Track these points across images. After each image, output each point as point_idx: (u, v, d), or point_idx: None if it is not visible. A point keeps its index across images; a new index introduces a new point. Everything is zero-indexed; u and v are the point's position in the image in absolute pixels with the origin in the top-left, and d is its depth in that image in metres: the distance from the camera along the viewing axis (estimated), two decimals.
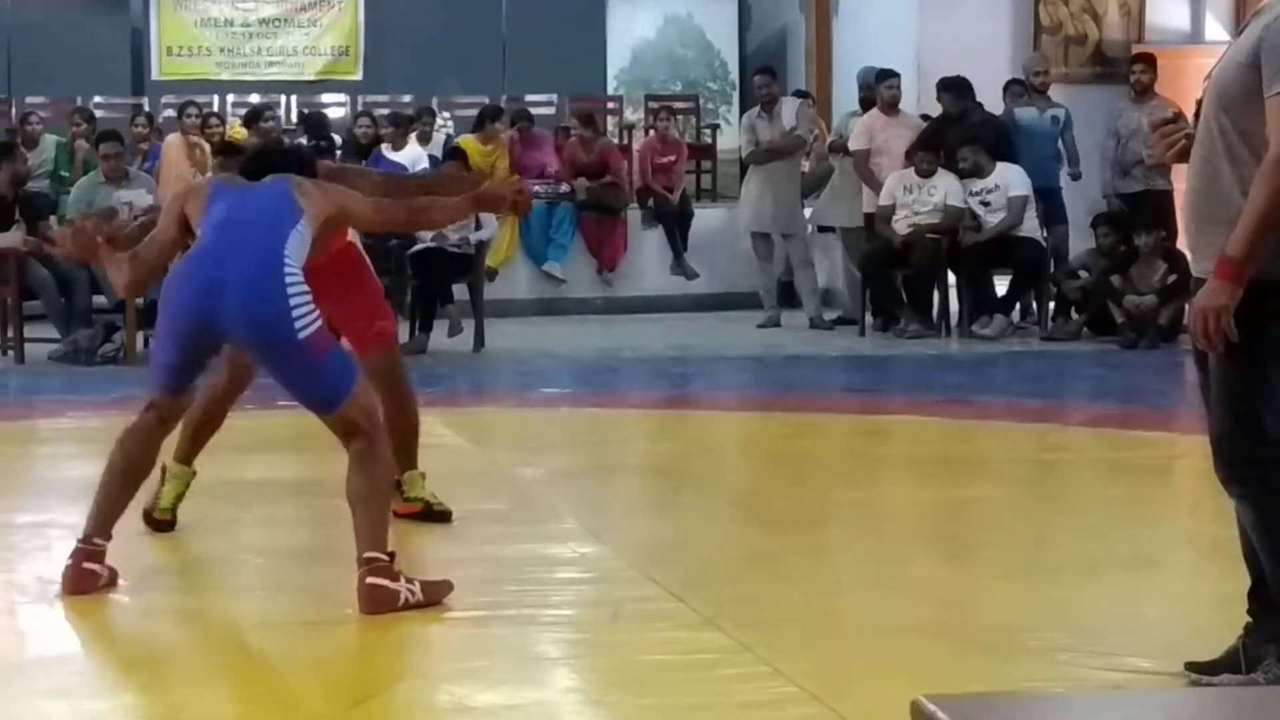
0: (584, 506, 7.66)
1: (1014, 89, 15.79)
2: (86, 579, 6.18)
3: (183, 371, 6.46)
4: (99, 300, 13.61)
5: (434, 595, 6.06)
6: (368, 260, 7.18)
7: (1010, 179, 14.66)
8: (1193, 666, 5.10)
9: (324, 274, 6.59)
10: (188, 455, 7.27)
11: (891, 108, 15.16)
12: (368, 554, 6.01)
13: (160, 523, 7.15)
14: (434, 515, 7.27)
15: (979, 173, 14.63)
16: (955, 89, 15.21)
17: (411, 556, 6.90)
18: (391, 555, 6.08)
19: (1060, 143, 15.44)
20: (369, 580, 5.95)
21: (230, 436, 9.29)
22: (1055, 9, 17.70)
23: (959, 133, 14.93)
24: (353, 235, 7.12)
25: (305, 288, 6.13)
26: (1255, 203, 4.71)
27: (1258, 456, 4.87)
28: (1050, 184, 15.12)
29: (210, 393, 7.17)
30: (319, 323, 6.13)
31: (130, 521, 7.15)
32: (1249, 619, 5.07)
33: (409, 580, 6.01)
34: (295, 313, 6.08)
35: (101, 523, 6.32)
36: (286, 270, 6.14)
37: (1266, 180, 4.70)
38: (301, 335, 6.08)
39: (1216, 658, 5.08)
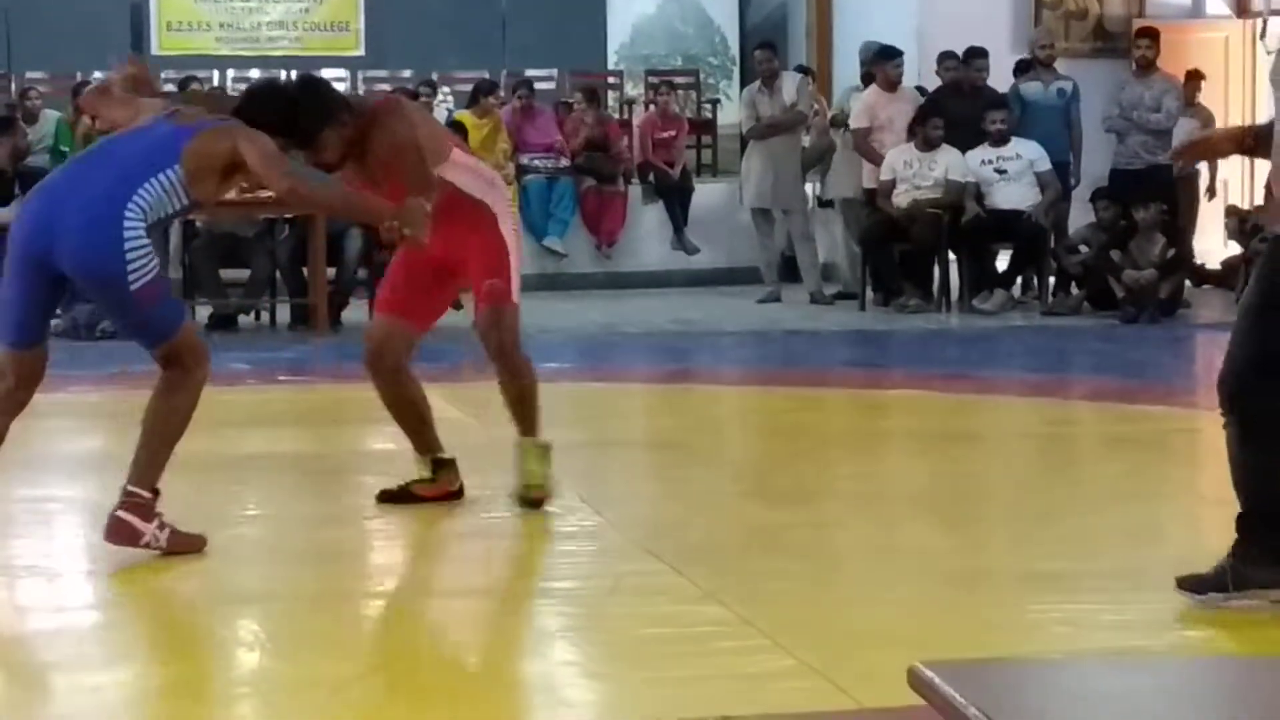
0: (584, 481, 7.65)
1: (1024, 67, 15.78)
2: None
3: (25, 310, 6.36)
4: None
5: (180, 546, 6.25)
6: (500, 216, 6.97)
7: (1031, 152, 14.65)
8: (1182, 582, 5.45)
9: (450, 225, 6.69)
10: None
11: (893, 85, 15.14)
12: (130, 488, 6.24)
13: None
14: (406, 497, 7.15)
15: (1004, 139, 14.63)
16: (978, 56, 15.26)
17: (413, 532, 6.90)
18: (156, 493, 6.25)
19: (1068, 116, 15.40)
20: (119, 514, 6.21)
21: (229, 411, 9.31)
22: None
23: (963, 104, 14.93)
24: (486, 189, 6.96)
25: (144, 240, 6.18)
26: None
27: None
28: (1059, 158, 15.10)
29: None
30: (152, 274, 6.19)
31: (113, 497, 7.15)
32: (1236, 541, 5.44)
33: (161, 525, 6.22)
34: (130, 266, 6.14)
35: None
36: (128, 221, 6.16)
37: None
38: (134, 288, 6.16)
39: (1205, 575, 5.45)
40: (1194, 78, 15.95)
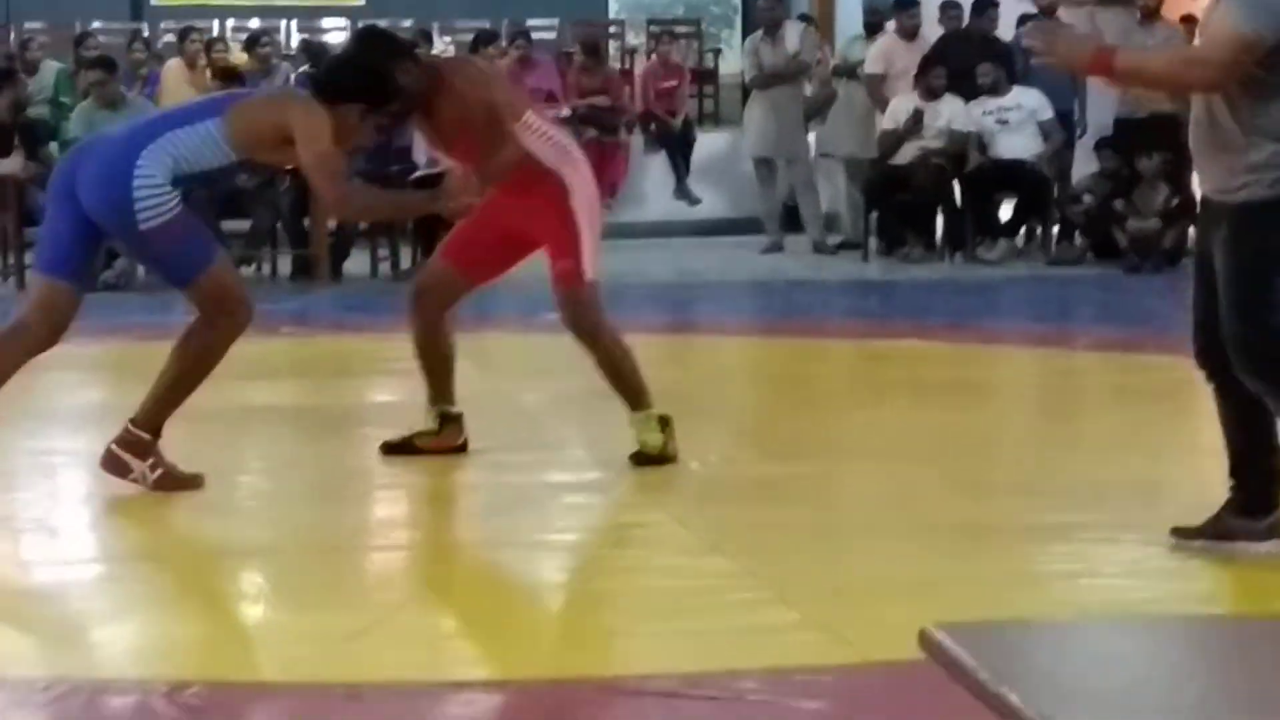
0: (587, 432, 7.64)
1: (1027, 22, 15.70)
2: None
3: (54, 237, 6.56)
4: None
5: (173, 485, 6.42)
6: (573, 189, 6.81)
7: (1034, 102, 14.59)
8: (1177, 531, 5.58)
9: (519, 196, 6.72)
10: None
11: (911, 34, 15.10)
12: (130, 425, 6.47)
13: None
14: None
15: (997, 90, 14.57)
16: (990, 5, 15.21)
17: (417, 483, 6.89)
18: (156, 435, 6.43)
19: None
20: (113, 448, 6.45)
21: (230, 363, 9.26)
22: None
23: (965, 50, 14.88)
24: (559, 157, 6.82)
25: (157, 180, 6.28)
26: (1157, 64, 5.83)
27: (1270, 353, 5.41)
28: (1063, 107, 15.04)
29: None
30: (168, 215, 6.30)
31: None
32: (1230, 492, 5.59)
33: (155, 466, 6.42)
34: (138, 204, 6.28)
35: None
36: (141, 160, 6.29)
37: (1175, 66, 5.67)
38: (143, 226, 6.30)
39: (1199, 525, 5.57)
40: (1188, 21, 15.84)
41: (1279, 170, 5.24)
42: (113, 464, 6.45)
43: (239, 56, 16.61)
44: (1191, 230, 14.82)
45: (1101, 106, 15.33)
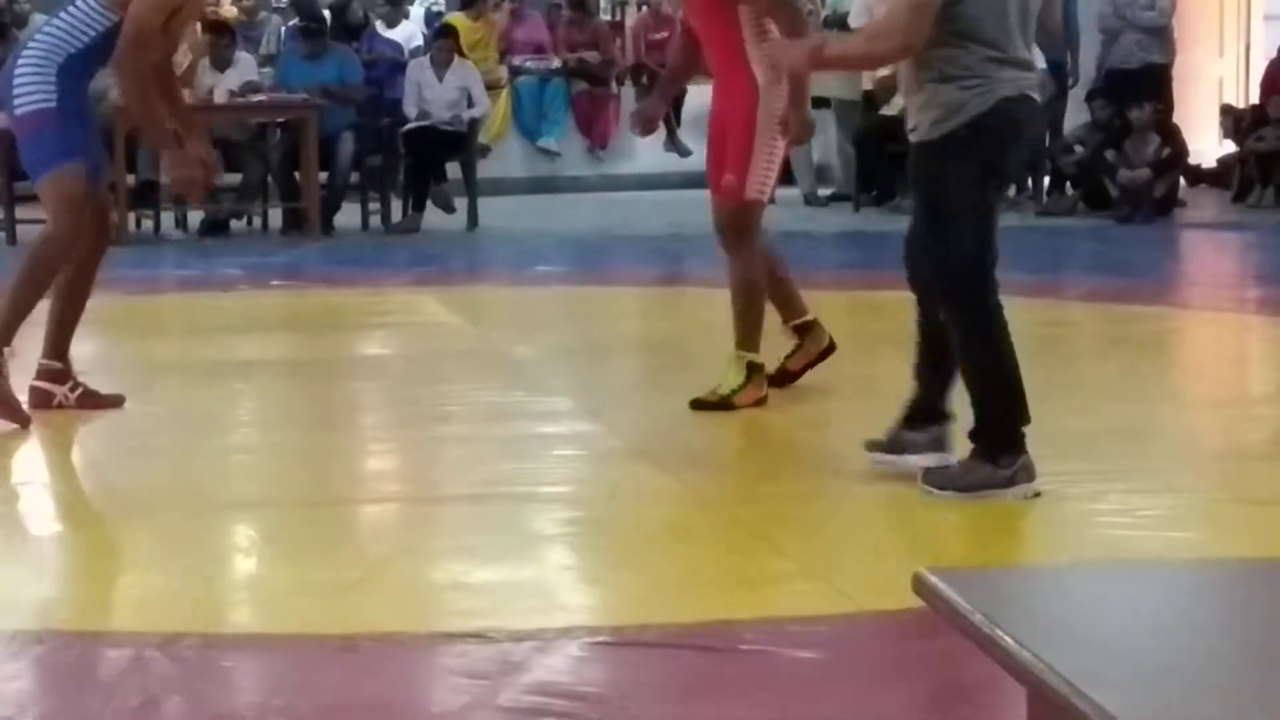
0: (579, 385, 7.65)
1: None
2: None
3: None
4: None
5: (91, 404, 6.88)
6: (765, 100, 6.83)
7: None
8: (869, 444, 5.95)
9: (725, 96, 6.97)
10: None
11: None
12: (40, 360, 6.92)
13: None
14: None
15: None
16: None
17: (408, 436, 6.90)
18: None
19: (1063, 13, 15.31)
20: (33, 383, 6.94)
21: (222, 316, 9.30)
22: None
23: None
24: (767, 66, 6.76)
25: (38, 69, 6.61)
26: (854, 46, 6.29)
27: (945, 283, 5.78)
28: (1055, 57, 15.00)
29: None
30: (37, 105, 6.61)
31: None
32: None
33: (74, 388, 6.94)
34: (16, 90, 6.66)
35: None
36: (27, 51, 6.74)
37: (866, 44, 6.01)
38: (17, 111, 6.68)
39: (880, 438, 5.94)
40: None
41: (940, 110, 5.58)
42: (39, 399, 6.92)
43: (228, 9, 16.56)
44: (1183, 181, 14.88)
45: (1091, 58, 15.32)
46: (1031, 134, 6.17)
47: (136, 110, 6.89)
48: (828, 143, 16.29)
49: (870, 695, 4.03)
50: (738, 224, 7.00)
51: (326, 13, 15.70)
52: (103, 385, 7.43)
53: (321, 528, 5.57)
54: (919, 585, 2.27)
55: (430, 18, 17.46)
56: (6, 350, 6.80)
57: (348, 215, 13.97)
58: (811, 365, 7.39)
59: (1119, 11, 14.83)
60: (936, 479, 5.64)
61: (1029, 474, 5.59)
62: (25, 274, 6.79)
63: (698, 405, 6.90)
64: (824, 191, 15.52)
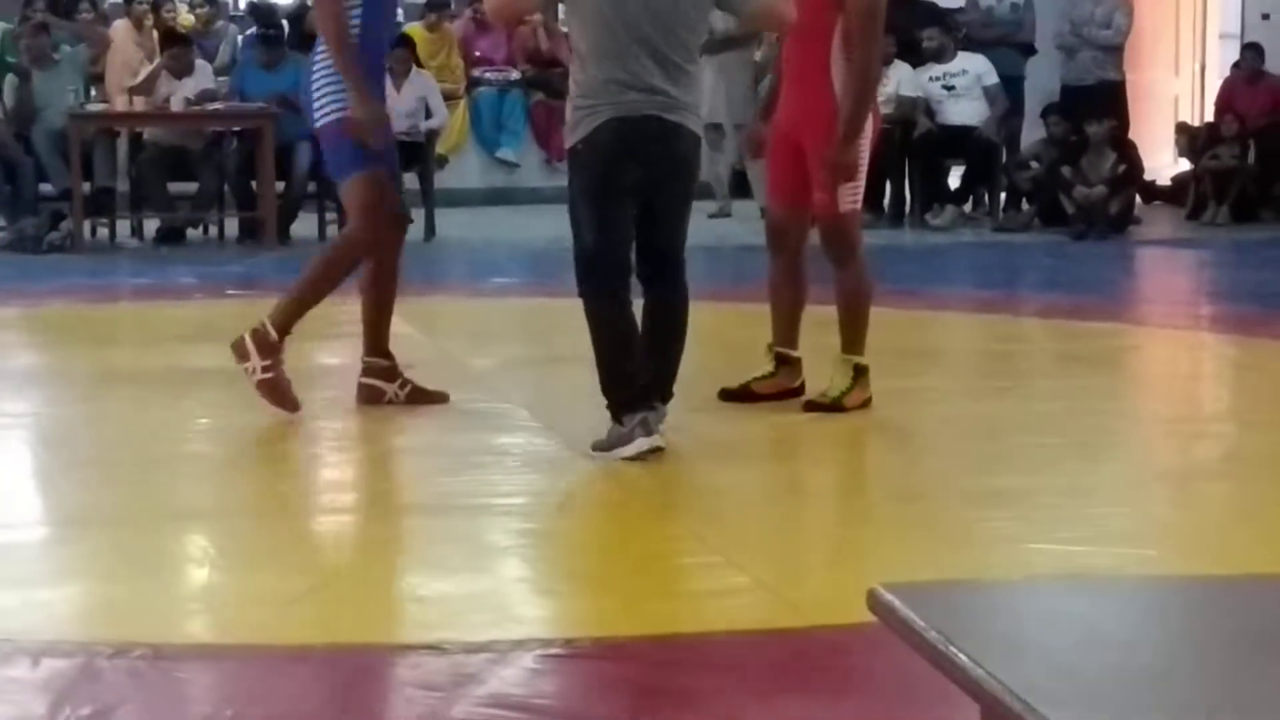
0: (535, 396, 7.64)
1: None
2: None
3: None
4: (45, 188, 13.49)
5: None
6: (865, 138, 7.05)
7: (980, 67, 14.61)
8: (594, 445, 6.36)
9: (796, 104, 7.11)
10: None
11: None
12: (264, 319, 7.06)
13: None
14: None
15: (941, 56, 14.59)
16: None
17: (363, 446, 6.88)
18: (282, 337, 6.96)
19: (1021, 29, 15.38)
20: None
21: (177, 325, 9.25)
22: None
23: (910, 16, 14.89)
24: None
25: (328, 77, 6.76)
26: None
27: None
28: (1013, 73, 15.08)
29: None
30: (335, 115, 6.75)
31: (71, 411, 7.13)
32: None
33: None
34: (315, 101, 6.83)
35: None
36: (316, 60, 6.84)
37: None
38: (318, 123, 6.84)
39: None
40: None
41: (567, 127, 6.47)
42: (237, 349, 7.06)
43: (186, 18, 16.52)
44: (1138, 199, 14.93)
45: (1048, 73, 15.38)
46: (663, 151, 6.38)
47: (331, 43, 6.79)
48: None
49: (822, 709, 4.03)
50: (838, 237, 7.18)
51: (284, 21, 15.67)
52: (56, 394, 7.40)
53: (275, 538, 5.55)
54: (873, 601, 2.27)
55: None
56: (285, 339, 7.03)
57: (304, 224, 13.93)
58: (775, 397, 7.39)
59: (1076, 29, 14.88)
60: (595, 444, 6.34)
61: (646, 429, 6.25)
62: (319, 268, 7.05)
63: (810, 407, 7.15)
64: None
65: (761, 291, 7.66)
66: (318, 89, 6.81)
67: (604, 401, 6.42)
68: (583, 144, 6.34)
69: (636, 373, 6.38)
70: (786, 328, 7.47)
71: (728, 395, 7.38)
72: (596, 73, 6.30)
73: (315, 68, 6.85)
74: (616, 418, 6.34)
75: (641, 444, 6.25)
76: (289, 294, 7.07)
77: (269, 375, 6.89)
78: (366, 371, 7.24)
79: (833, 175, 7.00)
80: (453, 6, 17.11)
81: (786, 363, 7.45)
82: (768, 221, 7.54)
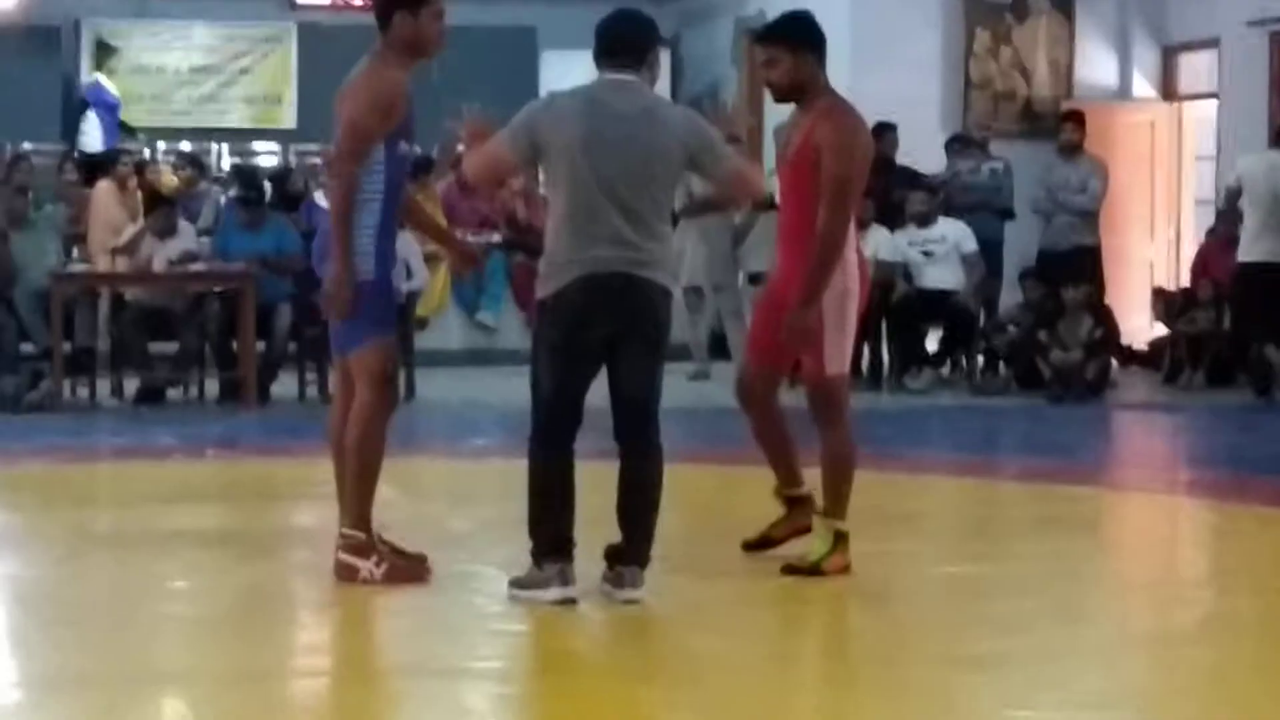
0: (513, 558, 7.62)
1: (955, 145, 15.94)
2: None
3: None
4: (26, 347, 13.51)
5: (400, 576, 6.90)
6: (829, 291, 7.11)
7: (958, 234, 14.74)
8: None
9: (784, 294, 7.16)
10: None
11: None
12: (342, 529, 6.94)
13: None
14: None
15: (926, 221, 14.73)
16: (888, 130, 15.51)
17: (341, 607, 6.86)
18: (367, 529, 6.92)
19: (1000, 194, 15.53)
20: (338, 554, 6.94)
21: (156, 485, 9.24)
22: (985, 64, 17.81)
23: (884, 178, 15.07)
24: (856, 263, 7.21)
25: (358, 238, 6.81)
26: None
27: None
28: (993, 237, 15.23)
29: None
30: (360, 279, 6.77)
31: (48, 571, 7.11)
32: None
33: (379, 561, 6.89)
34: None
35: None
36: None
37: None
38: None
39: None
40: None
41: (539, 279, 6.66)
42: (341, 571, 6.92)
43: (169, 179, 16.64)
44: (1115, 363, 15.01)
45: (1026, 237, 15.50)
46: (631, 304, 6.56)
47: (334, 212, 6.83)
48: None
49: None
50: (824, 400, 7.26)
51: (267, 183, 15.77)
52: (33, 554, 7.40)
53: (251, 703, 5.53)
54: None
55: None
56: (377, 526, 7.01)
57: (285, 385, 13.95)
58: (794, 537, 7.50)
59: (1052, 195, 15.02)
60: (511, 581, 6.62)
61: (563, 579, 6.48)
62: (356, 458, 6.98)
63: (788, 570, 7.17)
64: None
65: (741, 454, 7.69)
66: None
67: (578, 560, 6.45)
68: (553, 298, 6.52)
69: (565, 524, 6.58)
70: (785, 469, 7.60)
71: (749, 546, 7.54)
72: (571, 229, 6.48)
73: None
74: (537, 562, 6.55)
75: (556, 594, 6.48)
76: (348, 493, 6.98)
77: (385, 567, 6.87)
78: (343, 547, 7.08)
79: (790, 338, 7.08)
80: (432, 172, 17.20)
81: (797, 502, 7.54)
82: (739, 375, 7.64)
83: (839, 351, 7.19)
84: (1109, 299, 15.17)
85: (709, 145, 6.71)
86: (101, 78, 18.84)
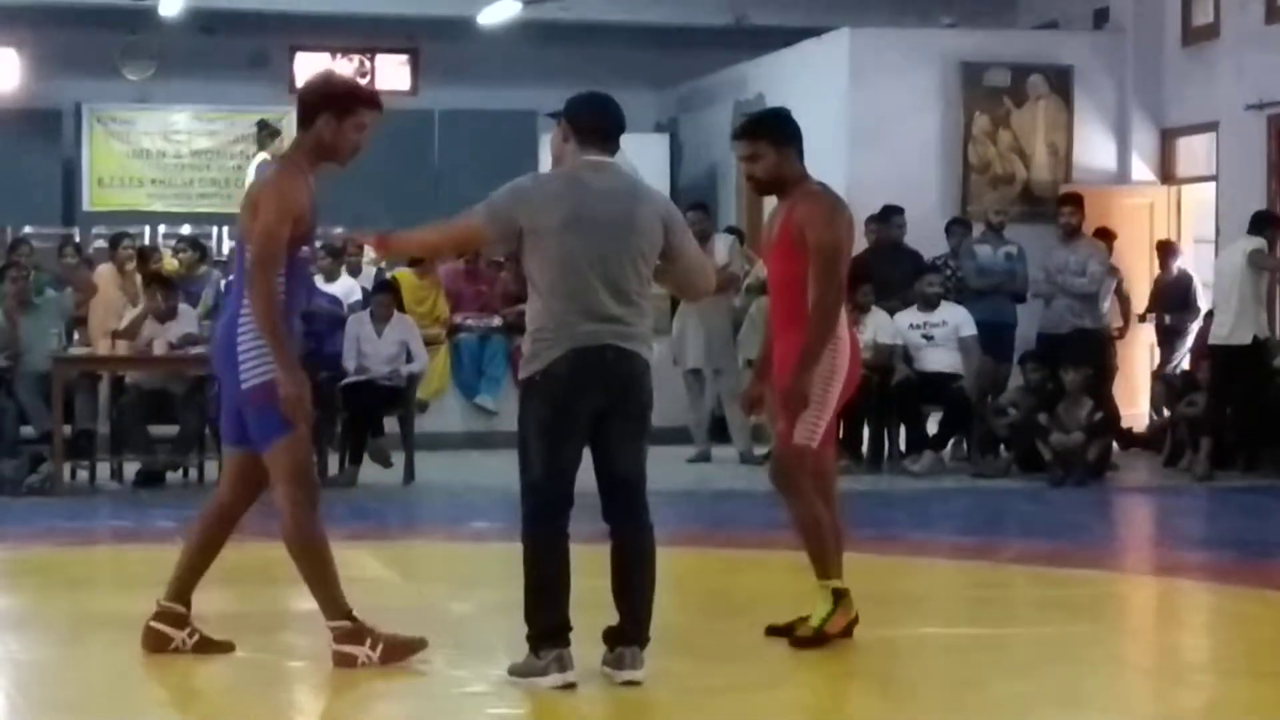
0: (514, 642, 7.60)
1: (956, 229, 16.01)
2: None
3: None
4: (26, 430, 13.51)
5: (396, 655, 6.89)
6: (837, 378, 7.31)
7: (959, 318, 14.79)
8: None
9: (785, 348, 7.31)
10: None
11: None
12: (327, 623, 6.93)
13: None
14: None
15: (934, 304, 14.78)
16: (895, 214, 15.64)
17: (339, 693, 6.84)
18: (349, 617, 6.89)
19: (1014, 278, 15.58)
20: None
21: (154, 569, 9.19)
22: (984, 148, 17.89)
23: (882, 264, 15.14)
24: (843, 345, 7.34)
25: (257, 337, 6.73)
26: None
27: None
28: (1007, 320, 15.29)
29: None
30: (264, 378, 6.72)
31: (47, 654, 7.10)
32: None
33: (374, 644, 6.85)
34: (241, 361, 6.78)
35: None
36: (243, 319, 6.80)
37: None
38: (244, 384, 6.78)
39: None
40: (1104, 236, 16.05)
41: (524, 356, 6.70)
42: (339, 659, 6.92)
43: (170, 262, 16.67)
44: (1116, 445, 15.01)
45: (1027, 320, 15.53)
46: (617, 377, 6.60)
47: (263, 326, 6.76)
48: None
49: None
50: (784, 467, 7.39)
51: None
52: (32, 638, 7.39)
53: None
54: None
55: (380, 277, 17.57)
56: (354, 614, 6.98)
57: None
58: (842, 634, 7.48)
59: (1051, 277, 15.05)
60: (511, 666, 6.63)
61: (561, 665, 6.49)
62: (303, 559, 7.01)
63: (796, 643, 7.29)
64: (760, 450, 15.57)
65: (740, 536, 7.69)
66: (244, 351, 6.78)
67: (578, 644, 6.44)
68: (540, 375, 6.58)
69: (562, 608, 6.61)
70: (824, 561, 7.52)
71: (773, 631, 7.52)
72: (556, 306, 6.53)
73: (240, 331, 6.81)
74: (534, 649, 6.57)
75: (555, 679, 6.50)
76: (315, 591, 6.99)
77: (380, 649, 6.88)
78: (157, 616, 7.13)
79: (786, 403, 7.22)
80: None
81: (840, 596, 7.48)
82: (771, 458, 7.74)
83: (811, 424, 7.32)
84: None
85: (682, 227, 6.87)
86: (266, 156, 18.56)
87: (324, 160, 7.05)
